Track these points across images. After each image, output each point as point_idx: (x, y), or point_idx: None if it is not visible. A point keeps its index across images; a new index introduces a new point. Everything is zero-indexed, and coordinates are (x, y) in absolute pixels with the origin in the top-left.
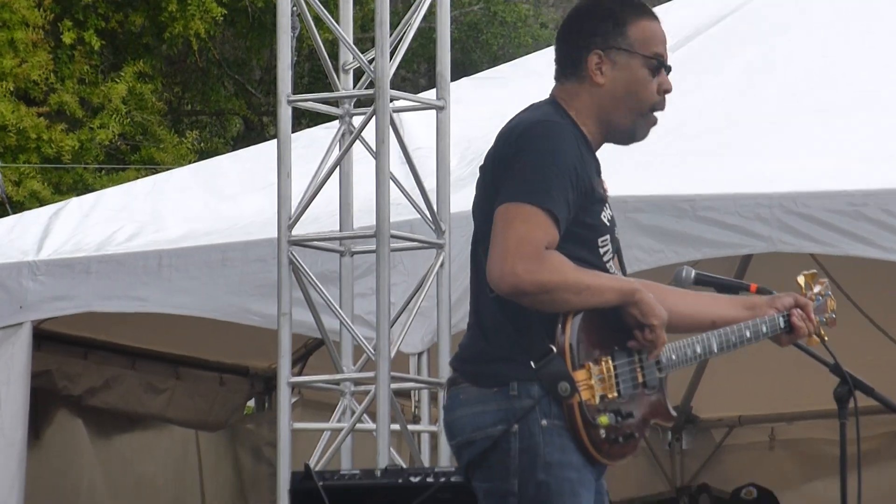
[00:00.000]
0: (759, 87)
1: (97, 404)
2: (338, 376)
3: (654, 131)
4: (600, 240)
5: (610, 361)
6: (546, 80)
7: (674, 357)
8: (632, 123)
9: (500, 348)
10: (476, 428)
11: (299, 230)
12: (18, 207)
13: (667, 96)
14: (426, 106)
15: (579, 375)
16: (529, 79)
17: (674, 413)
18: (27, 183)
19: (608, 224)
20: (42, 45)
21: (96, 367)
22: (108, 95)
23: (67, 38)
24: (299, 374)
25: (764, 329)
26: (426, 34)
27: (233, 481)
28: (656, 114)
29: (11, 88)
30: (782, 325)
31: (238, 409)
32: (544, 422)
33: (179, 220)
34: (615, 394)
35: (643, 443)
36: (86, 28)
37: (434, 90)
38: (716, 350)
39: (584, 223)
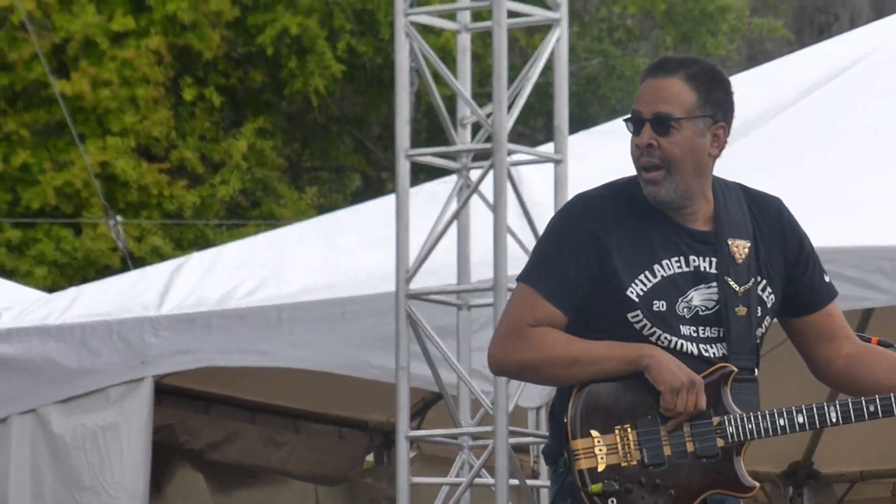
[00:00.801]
0: (882, 137)
1: (218, 458)
2: (456, 430)
3: (770, 185)
4: (630, 315)
5: (629, 429)
6: None
7: (749, 427)
8: (643, 187)
9: (554, 425)
10: None
11: (417, 284)
12: (140, 263)
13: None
14: (544, 159)
15: (579, 444)
16: None
17: (748, 483)
18: (149, 239)
19: (640, 299)
20: (163, 101)
21: (217, 421)
22: (229, 152)
23: (188, 95)
24: (418, 427)
25: None
26: (543, 89)
27: None
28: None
29: (133, 145)
30: None
31: (357, 462)
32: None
33: (299, 275)
34: (634, 463)
35: (764, 496)
36: (206, 85)
37: (552, 144)
38: (834, 420)
39: (601, 297)
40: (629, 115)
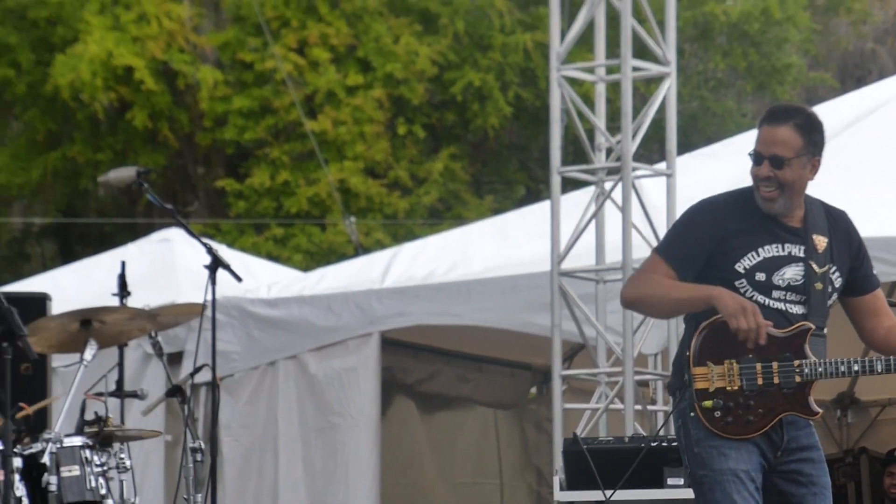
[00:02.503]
0: None
1: (424, 390)
2: (595, 370)
3: (827, 194)
4: (736, 282)
5: (735, 363)
6: (745, 155)
7: (819, 369)
8: (760, 202)
9: (676, 366)
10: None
11: (567, 265)
12: (367, 251)
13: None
14: (658, 174)
15: (698, 371)
16: (736, 154)
17: (814, 409)
18: (373, 234)
19: (745, 272)
20: (383, 135)
21: (424, 363)
22: (430, 171)
23: (401, 131)
24: (568, 368)
25: None
26: (658, 123)
27: (521, 447)
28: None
29: (362, 167)
30: None
31: (524, 394)
32: (692, 413)
33: (481, 259)
34: (736, 388)
35: (821, 418)
36: (414, 123)
37: (665, 163)
38: (880, 370)
39: (717, 268)
40: (753, 151)
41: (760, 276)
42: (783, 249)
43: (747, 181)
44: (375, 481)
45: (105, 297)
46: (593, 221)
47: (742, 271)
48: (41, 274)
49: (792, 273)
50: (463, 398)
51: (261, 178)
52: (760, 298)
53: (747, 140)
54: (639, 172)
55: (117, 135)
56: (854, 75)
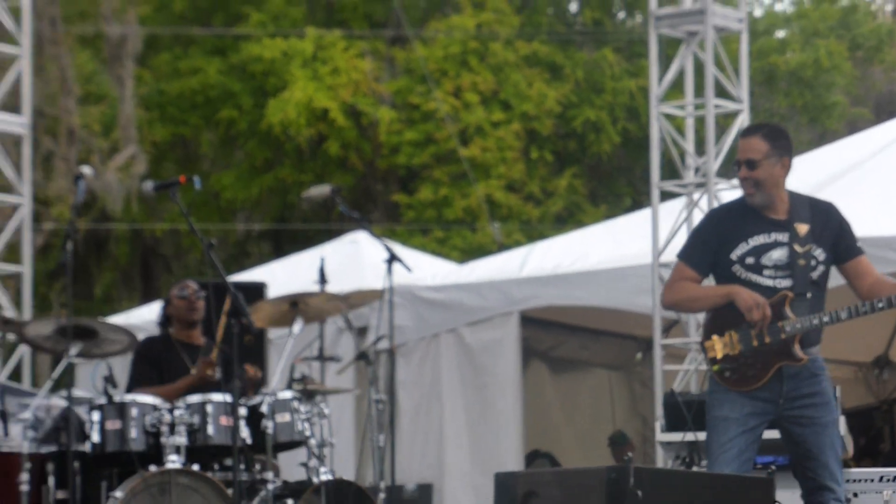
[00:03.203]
0: None
1: (554, 356)
2: (687, 340)
3: (856, 200)
4: (732, 268)
5: (734, 334)
6: (800, 172)
7: (798, 325)
8: (745, 198)
9: None
10: None
11: (664, 258)
12: (507, 249)
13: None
14: (735, 188)
15: (707, 344)
16: (792, 173)
17: (799, 356)
18: (513, 236)
19: (737, 258)
20: (519, 159)
21: (552, 334)
22: (556, 186)
23: (534, 156)
24: (665, 338)
25: (880, 305)
26: (735, 148)
27: (630, 400)
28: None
29: (503, 184)
30: None
31: (632, 358)
32: (709, 373)
33: (597, 254)
34: (736, 352)
35: (861, 375)
36: (544, 149)
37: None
38: (844, 317)
39: (721, 263)
40: (734, 161)
41: (750, 260)
42: (769, 237)
43: (801, 191)
44: (519, 427)
45: (309, 284)
46: (685, 224)
47: (735, 259)
48: (260, 267)
49: (777, 255)
50: (584, 362)
51: (426, 194)
52: (753, 277)
53: (803, 161)
54: (719, 186)
55: (316, 161)
56: (886, 110)
